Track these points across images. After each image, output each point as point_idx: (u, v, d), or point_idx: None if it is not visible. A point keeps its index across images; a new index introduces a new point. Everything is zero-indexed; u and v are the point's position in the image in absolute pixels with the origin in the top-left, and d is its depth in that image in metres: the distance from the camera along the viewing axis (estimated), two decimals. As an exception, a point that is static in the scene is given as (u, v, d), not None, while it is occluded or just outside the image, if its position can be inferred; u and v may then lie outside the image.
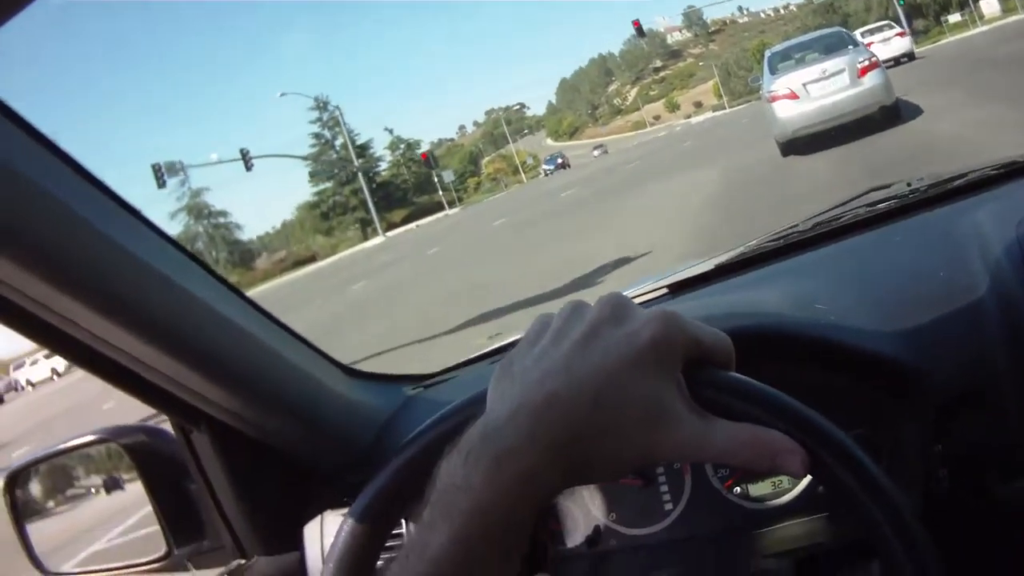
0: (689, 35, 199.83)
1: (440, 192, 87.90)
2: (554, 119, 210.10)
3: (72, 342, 0.98)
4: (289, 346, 1.19)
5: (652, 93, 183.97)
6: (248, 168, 48.76)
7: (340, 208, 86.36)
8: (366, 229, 79.75)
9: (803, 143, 13.12)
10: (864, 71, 12.75)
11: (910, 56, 26.10)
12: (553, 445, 0.62)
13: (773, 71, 13.82)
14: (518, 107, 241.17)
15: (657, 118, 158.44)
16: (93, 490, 1.50)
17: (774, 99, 13.24)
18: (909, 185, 1.48)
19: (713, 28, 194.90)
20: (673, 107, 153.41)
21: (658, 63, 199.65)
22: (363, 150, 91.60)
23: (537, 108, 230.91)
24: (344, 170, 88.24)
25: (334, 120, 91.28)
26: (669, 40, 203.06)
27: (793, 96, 12.94)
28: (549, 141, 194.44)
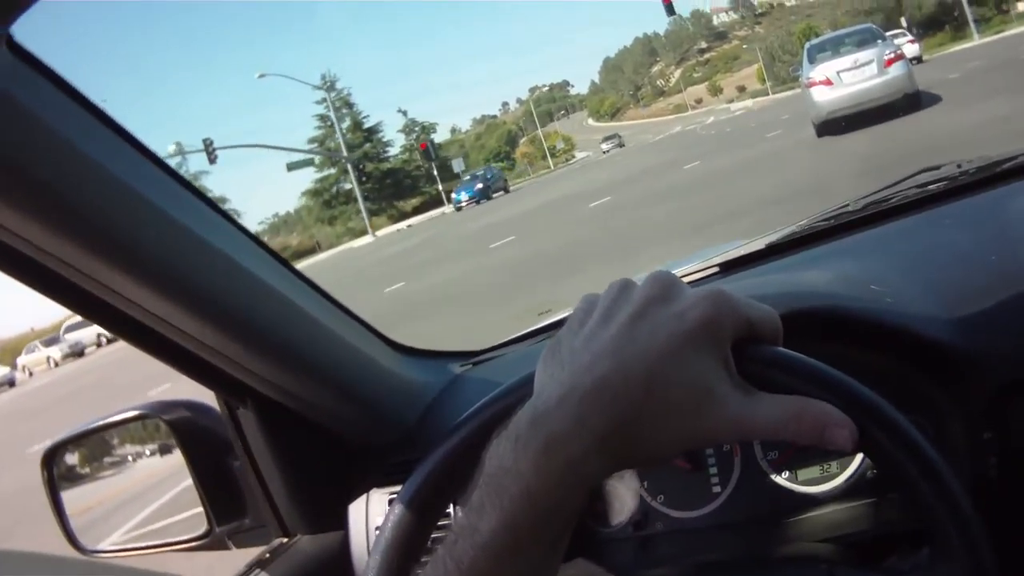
0: (736, 16, 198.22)
1: (450, 180, 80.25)
2: (596, 99, 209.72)
3: (117, 314, 0.99)
4: (338, 321, 1.21)
5: (696, 75, 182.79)
6: (211, 160, 46.40)
7: (343, 196, 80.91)
8: (372, 220, 77.58)
9: (836, 125, 15.29)
10: (890, 62, 15.01)
11: (918, 59, 29.61)
12: (603, 430, 0.62)
13: (812, 60, 15.99)
14: (562, 85, 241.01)
15: (699, 101, 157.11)
16: (131, 459, 1.52)
17: (811, 85, 15.46)
18: (959, 167, 1.48)
19: (760, 10, 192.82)
20: (716, 91, 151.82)
21: (703, 44, 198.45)
22: (370, 134, 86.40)
23: (581, 87, 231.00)
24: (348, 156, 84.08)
25: (343, 101, 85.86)
26: (715, 21, 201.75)
27: (828, 83, 15.10)
28: (591, 121, 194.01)
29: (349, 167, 68.79)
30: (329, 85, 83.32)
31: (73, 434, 1.42)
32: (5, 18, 0.73)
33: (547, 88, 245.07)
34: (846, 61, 15.13)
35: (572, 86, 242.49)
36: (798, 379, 0.65)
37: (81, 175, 0.85)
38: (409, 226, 50.72)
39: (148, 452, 1.49)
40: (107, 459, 1.56)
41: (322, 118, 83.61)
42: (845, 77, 14.94)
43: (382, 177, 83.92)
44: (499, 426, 0.67)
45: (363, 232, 61.22)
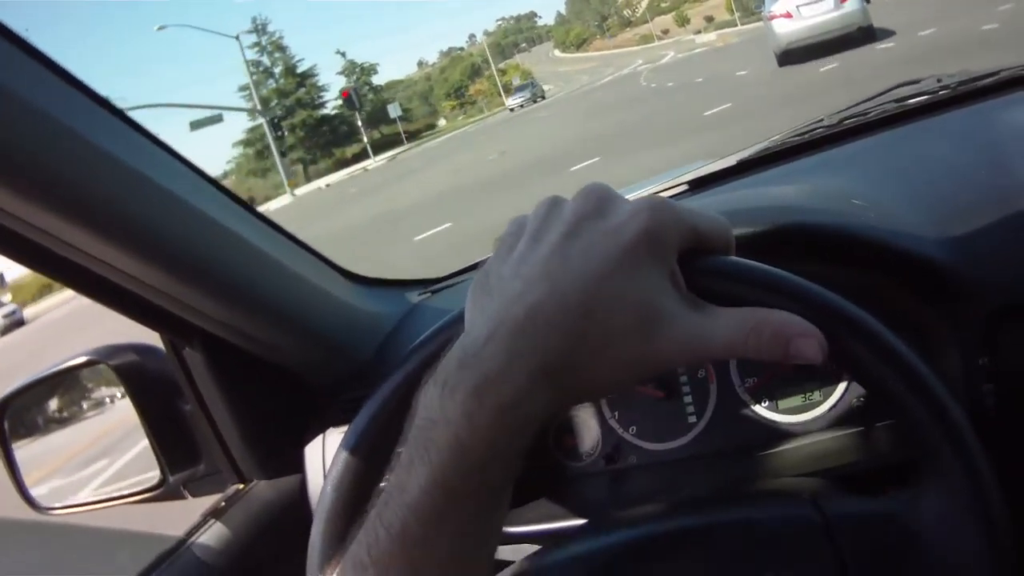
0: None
1: (389, 124, 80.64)
2: (562, 30, 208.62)
3: (53, 256, 0.95)
4: (287, 251, 1.16)
5: (664, 5, 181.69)
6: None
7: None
8: (308, 170, 74.28)
9: (796, 55, 16.95)
10: None
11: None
12: (539, 365, 0.57)
13: None
14: (529, 16, 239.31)
15: (666, 32, 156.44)
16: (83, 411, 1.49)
17: (772, 18, 17.12)
18: (939, 81, 1.45)
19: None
20: (683, 21, 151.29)
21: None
22: (303, 79, 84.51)
23: (549, 18, 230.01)
24: (279, 103, 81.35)
25: (274, 44, 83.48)
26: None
27: (788, 15, 16.64)
28: (557, 53, 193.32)
29: (265, 124, 62.74)
30: (260, 28, 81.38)
31: (22, 385, 1.38)
32: None
33: (514, 19, 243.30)
34: None
35: (540, 17, 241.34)
36: (754, 288, 0.61)
37: (17, 113, 0.81)
38: (328, 185, 47.21)
39: (106, 400, 1.45)
40: (61, 410, 1.52)
41: (255, 64, 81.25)
42: (804, 11, 16.41)
43: (316, 125, 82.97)
44: (429, 370, 0.61)
45: (303, 182, 58.98)
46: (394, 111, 72.71)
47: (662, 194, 1.39)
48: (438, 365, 0.60)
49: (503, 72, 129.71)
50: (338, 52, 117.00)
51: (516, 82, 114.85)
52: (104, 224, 0.91)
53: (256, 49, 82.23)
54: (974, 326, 0.91)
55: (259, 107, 69.70)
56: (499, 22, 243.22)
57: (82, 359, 1.30)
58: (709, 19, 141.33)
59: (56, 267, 0.97)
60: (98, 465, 1.68)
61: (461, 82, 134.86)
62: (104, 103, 0.93)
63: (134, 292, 1.02)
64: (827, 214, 1.06)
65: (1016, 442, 0.86)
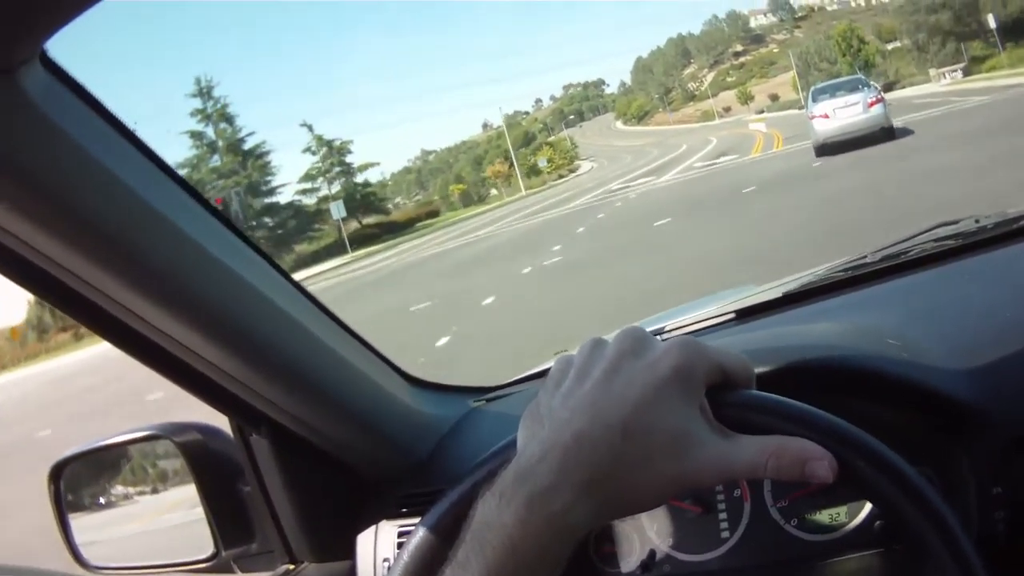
0: (774, 19, 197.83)
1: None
2: (624, 100, 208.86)
3: (136, 336, 1.04)
4: (354, 351, 1.27)
5: (729, 79, 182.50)
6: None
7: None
8: None
9: (829, 149, 22.40)
10: (872, 104, 22.54)
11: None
12: (584, 483, 0.69)
13: (815, 100, 23.60)
14: (597, 83, 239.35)
15: (728, 109, 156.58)
16: (141, 488, 1.58)
17: (812, 117, 23.19)
18: (977, 222, 1.54)
19: (800, 14, 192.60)
20: (746, 99, 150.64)
21: (738, 47, 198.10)
22: (247, 156, 69.45)
23: (616, 86, 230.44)
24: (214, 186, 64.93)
25: (219, 113, 69.54)
26: (752, 23, 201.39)
27: (825, 116, 22.60)
28: (619, 124, 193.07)
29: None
30: (206, 92, 69.42)
31: (82, 450, 1.48)
32: (40, 35, 0.77)
33: (581, 86, 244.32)
34: (839, 101, 22.50)
35: (607, 85, 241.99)
36: (773, 417, 0.72)
37: (111, 198, 0.89)
38: None
39: (158, 477, 1.54)
40: (117, 478, 1.61)
41: (196, 136, 69.23)
42: (839, 113, 22.34)
43: (259, 214, 69.77)
44: (486, 485, 0.73)
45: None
46: (337, 211, 57.99)
47: (710, 321, 1.51)
48: (495, 481, 0.72)
49: (538, 150, 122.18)
50: (303, 125, 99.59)
51: (543, 164, 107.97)
52: (189, 312, 1.01)
53: (200, 118, 69.98)
54: (991, 457, 1.00)
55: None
56: (566, 88, 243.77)
57: (146, 432, 1.40)
58: (774, 97, 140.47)
59: (139, 347, 1.07)
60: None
61: (488, 157, 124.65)
62: (199, 197, 1.03)
63: (211, 377, 1.13)
64: (862, 352, 1.16)
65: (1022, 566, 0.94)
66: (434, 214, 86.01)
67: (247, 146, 71.35)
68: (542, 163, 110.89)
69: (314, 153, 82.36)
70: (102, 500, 1.61)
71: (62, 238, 0.88)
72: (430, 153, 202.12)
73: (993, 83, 35.20)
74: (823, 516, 1.14)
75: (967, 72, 54.21)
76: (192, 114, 69.34)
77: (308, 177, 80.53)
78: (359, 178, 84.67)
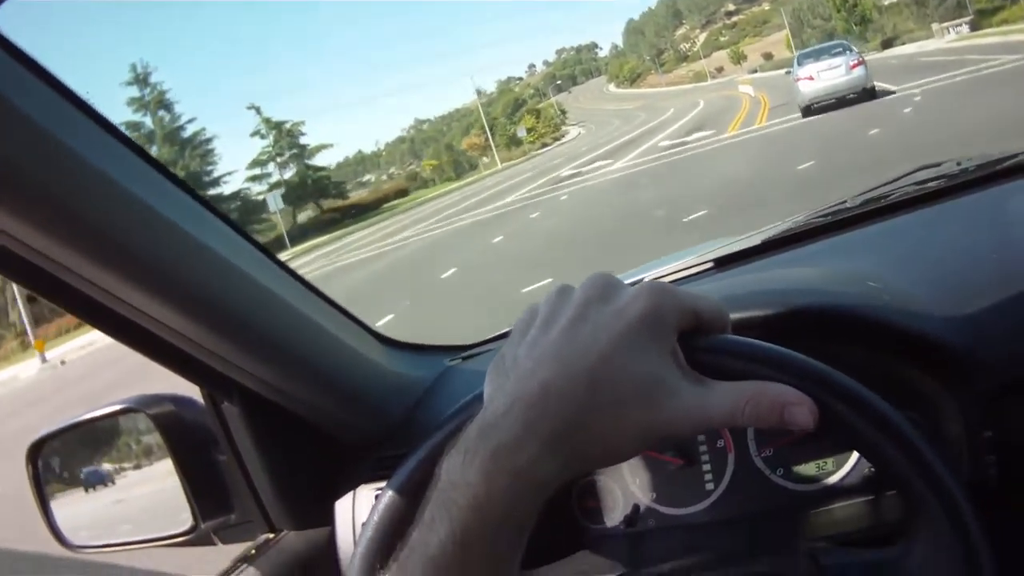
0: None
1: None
2: (616, 63, 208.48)
3: (100, 308, 1.03)
4: (325, 314, 1.26)
5: (722, 39, 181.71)
6: None
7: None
8: None
9: (814, 109, 24.10)
10: (854, 66, 24.19)
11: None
12: (551, 435, 0.67)
13: (800, 64, 25.38)
14: (590, 47, 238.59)
15: (720, 70, 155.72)
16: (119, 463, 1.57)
17: (798, 80, 24.82)
18: (959, 164, 1.54)
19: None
20: (738, 58, 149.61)
21: (731, 7, 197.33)
22: (185, 145, 66.65)
23: (609, 49, 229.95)
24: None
25: (157, 100, 66.61)
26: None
27: (810, 78, 24.35)
28: (612, 88, 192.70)
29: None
30: (142, 78, 66.38)
31: (57, 428, 1.47)
32: None
33: (574, 50, 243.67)
34: (823, 64, 24.28)
35: (600, 48, 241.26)
36: (749, 362, 0.71)
37: (66, 169, 0.88)
38: (63, 363, 29.28)
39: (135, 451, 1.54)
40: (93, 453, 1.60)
41: (134, 127, 65.62)
42: (823, 75, 24.18)
43: None
44: (451, 442, 0.72)
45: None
46: (274, 203, 53.18)
47: (689, 270, 1.51)
48: (459, 437, 0.71)
49: (520, 118, 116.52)
50: (251, 107, 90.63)
51: (522, 133, 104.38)
52: (152, 281, 1.00)
53: (136, 107, 67.41)
54: (979, 401, 1.00)
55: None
56: (559, 52, 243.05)
57: (119, 407, 1.39)
58: (768, 56, 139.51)
59: (105, 320, 1.07)
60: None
61: (499, 120, 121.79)
62: (157, 164, 1.02)
63: (178, 347, 1.12)
64: (842, 296, 1.16)
65: (1016, 511, 0.95)
66: (403, 193, 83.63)
67: (186, 134, 68.94)
68: (521, 132, 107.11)
69: (263, 137, 79.15)
70: (80, 478, 1.60)
71: (20, 213, 0.87)
72: (424, 122, 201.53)
73: (1008, 39, 32.95)
74: (810, 465, 1.14)
75: (974, 26, 50.45)
76: (128, 103, 67.46)
77: (257, 163, 76.90)
78: (318, 160, 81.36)
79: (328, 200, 75.88)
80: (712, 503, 1.18)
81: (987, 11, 53.24)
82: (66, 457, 1.58)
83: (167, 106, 68.64)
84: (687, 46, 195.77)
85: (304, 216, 71.43)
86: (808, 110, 24.34)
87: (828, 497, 1.12)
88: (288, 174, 75.23)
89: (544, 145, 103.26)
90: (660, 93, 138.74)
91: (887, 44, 58.18)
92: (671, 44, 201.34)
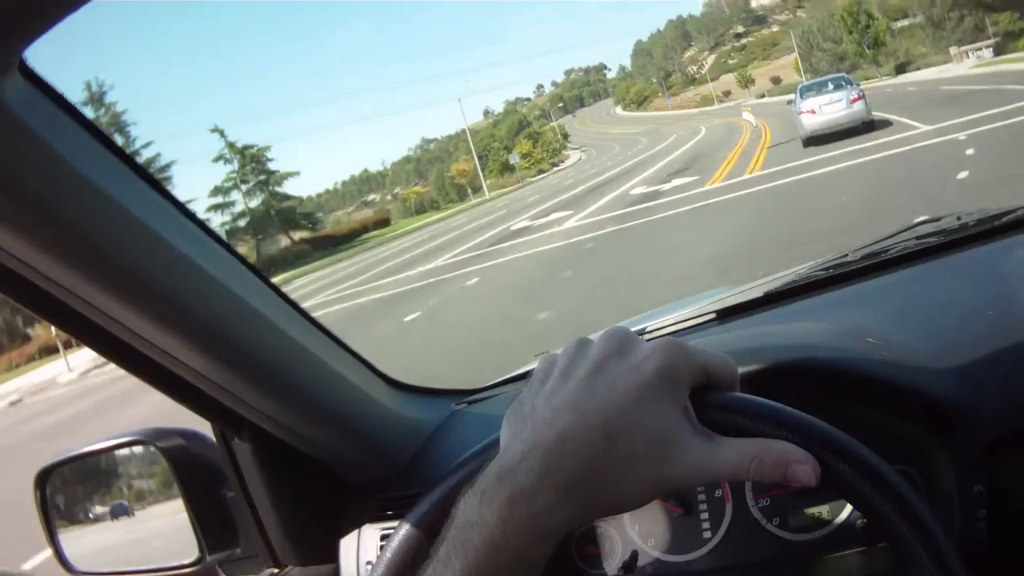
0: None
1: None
2: (623, 85, 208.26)
3: (116, 342, 1.06)
4: (336, 356, 1.29)
5: (731, 62, 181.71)
6: None
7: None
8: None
9: (816, 140, 24.59)
10: (854, 100, 25.25)
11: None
12: (566, 483, 0.70)
13: (803, 97, 26.58)
14: (598, 68, 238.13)
15: (728, 93, 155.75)
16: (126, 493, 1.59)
17: (800, 113, 25.91)
18: (959, 219, 1.57)
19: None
20: (746, 82, 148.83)
21: (740, 29, 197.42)
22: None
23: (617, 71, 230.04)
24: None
25: (111, 122, 63.34)
26: (753, 3, 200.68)
27: (812, 112, 25.37)
28: (619, 110, 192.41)
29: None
30: (97, 98, 63.40)
31: (66, 456, 1.51)
32: (19, 43, 0.78)
33: (583, 71, 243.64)
34: (825, 98, 25.44)
35: (608, 69, 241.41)
36: (756, 420, 0.74)
37: (90, 204, 0.91)
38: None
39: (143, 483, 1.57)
40: (101, 483, 1.63)
41: None
42: (824, 109, 25.13)
43: None
44: (467, 484, 0.75)
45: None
46: None
47: (691, 321, 1.54)
48: (477, 479, 0.74)
49: (516, 143, 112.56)
50: (214, 130, 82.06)
51: (515, 160, 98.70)
52: (167, 317, 1.03)
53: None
54: (973, 456, 1.03)
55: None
56: (568, 73, 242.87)
57: (128, 438, 1.44)
58: (776, 80, 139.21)
59: (119, 353, 1.09)
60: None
61: (498, 146, 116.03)
62: (179, 205, 1.05)
63: (193, 384, 1.15)
64: (842, 352, 1.19)
65: (1004, 564, 0.98)
66: (383, 224, 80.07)
67: (141, 159, 60.78)
68: (514, 159, 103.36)
69: (228, 162, 75.71)
70: (88, 505, 1.63)
71: (45, 248, 0.89)
72: (431, 141, 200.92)
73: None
74: (805, 515, 1.17)
75: (999, 50, 47.87)
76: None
77: (219, 191, 73.81)
78: (287, 188, 77.34)
79: (299, 231, 73.40)
80: (709, 551, 1.21)
81: (1013, 33, 49.64)
82: (74, 484, 1.61)
83: (121, 128, 66.41)
84: (695, 68, 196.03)
85: (274, 247, 68.99)
86: (810, 141, 25.15)
87: (822, 547, 1.15)
88: (253, 203, 72.82)
89: (540, 172, 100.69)
90: (665, 117, 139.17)
91: (901, 69, 55.39)
92: (679, 67, 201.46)
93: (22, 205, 0.85)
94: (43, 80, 0.86)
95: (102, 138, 0.94)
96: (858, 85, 27.48)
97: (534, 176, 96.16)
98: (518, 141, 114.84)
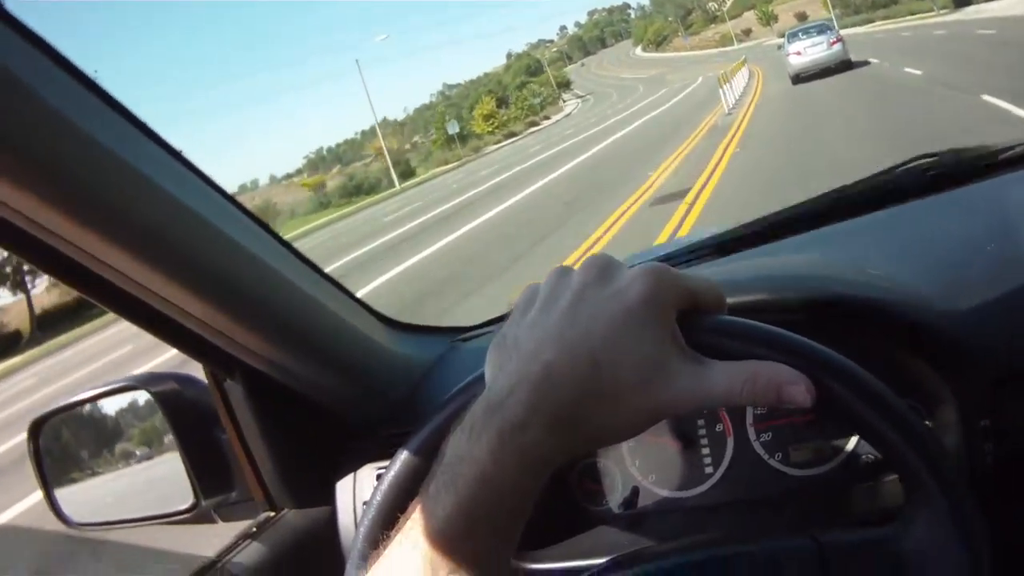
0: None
1: None
2: (642, 25, 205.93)
3: (104, 284, 1.06)
4: (329, 295, 1.30)
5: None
6: None
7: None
8: None
9: (803, 78, 30.24)
10: (833, 43, 30.57)
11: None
12: (554, 416, 0.71)
13: (790, 42, 32.08)
14: (622, 8, 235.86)
15: (748, 32, 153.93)
16: (121, 440, 1.62)
17: (788, 55, 31.64)
18: (958, 154, 1.58)
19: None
20: (768, 19, 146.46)
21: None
22: None
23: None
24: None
25: None
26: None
27: (798, 53, 30.99)
28: (639, 51, 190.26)
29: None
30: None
31: (60, 405, 1.53)
32: None
33: (606, 11, 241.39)
34: (808, 42, 30.90)
35: (632, 9, 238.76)
36: (746, 342, 0.74)
37: (74, 147, 0.91)
38: None
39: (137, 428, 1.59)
40: (96, 431, 1.65)
41: None
42: (808, 51, 30.75)
43: None
44: (455, 421, 0.77)
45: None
46: None
47: (689, 257, 1.55)
48: (464, 415, 0.76)
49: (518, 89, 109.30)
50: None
51: (453, 129, 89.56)
52: (157, 258, 1.04)
53: None
54: (977, 390, 1.05)
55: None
56: (591, 13, 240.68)
57: (121, 384, 1.45)
58: (801, 16, 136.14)
59: (107, 295, 1.10)
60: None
61: (508, 88, 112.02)
62: (164, 144, 1.05)
63: (183, 325, 1.16)
64: (842, 283, 1.21)
65: (1011, 499, 1.00)
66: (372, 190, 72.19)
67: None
68: (453, 128, 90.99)
69: None
70: (82, 455, 1.65)
71: (30, 192, 0.90)
72: (453, 87, 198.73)
73: None
74: (807, 451, 1.19)
75: None
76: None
77: None
78: None
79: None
80: (711, 486, 1.23)
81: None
82: (67, 434, 1.63)
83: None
84: (715, 5, 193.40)
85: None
86: (797, 78, 30.96)
87: (826, 483, 1.17)
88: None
89: (511, 135, 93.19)
90: (678, 59, 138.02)
91: (962, 2, 49.81)
92: (699, 3, 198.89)
93: (9, 152, 0.86)
94: (23, 24, 0.87)
95: (87, 82, 0.95)
96: (836, 31, 33.49)
97: (497, 143, 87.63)
98: (481, 100, 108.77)
